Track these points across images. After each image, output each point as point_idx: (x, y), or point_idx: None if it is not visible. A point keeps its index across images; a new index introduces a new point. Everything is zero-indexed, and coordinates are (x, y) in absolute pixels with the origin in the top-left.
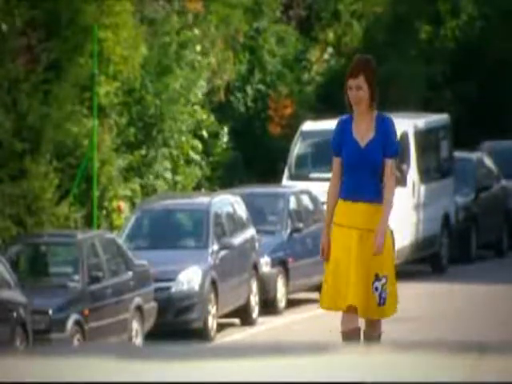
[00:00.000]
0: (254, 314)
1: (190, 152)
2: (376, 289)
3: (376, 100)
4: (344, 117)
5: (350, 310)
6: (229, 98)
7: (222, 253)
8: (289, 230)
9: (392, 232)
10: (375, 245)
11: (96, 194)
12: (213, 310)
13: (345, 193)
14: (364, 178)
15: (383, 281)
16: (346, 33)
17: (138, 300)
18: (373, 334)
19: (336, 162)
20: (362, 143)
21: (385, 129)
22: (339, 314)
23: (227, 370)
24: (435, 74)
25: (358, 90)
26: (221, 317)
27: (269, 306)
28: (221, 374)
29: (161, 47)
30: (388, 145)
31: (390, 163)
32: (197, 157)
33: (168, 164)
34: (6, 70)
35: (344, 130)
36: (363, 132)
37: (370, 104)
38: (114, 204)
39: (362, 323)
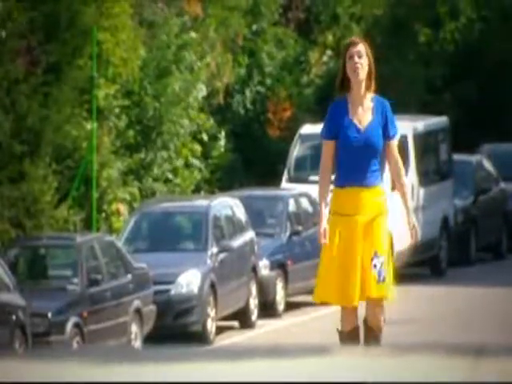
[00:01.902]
0: (253, 317)
1: (188, 156)
2: (375, 266)
3: (373, 83)
4: (338, 99)
5: (353, 309)
6: (228, 100)
7: (221, 256)
8: (288, 233)
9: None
10: (413, 237)
11: (95, 196)
12: (212, 312)
13: (343, 179)
14: (364, 163)
15: (382, 259)
16: (345, 35)
17: (137, 303)
18: (374, 326)
19: (329, 145)
20: (362, 126)
21: (384, 111)
22: (337, 318)
23: (226, 372)
24: (434, 77)
25: (359, 57)
26: (220, 320)
27: (268, 309)
28: (220, 376)
29: (160, 49)
30: (389, 127)
31: (394, 145)
32: (196, 161)
33: (167, 167)
34: (6, 72)
35: (340, 112)
36: (361, 114)
37: (367, 84)
38: (114, 207)
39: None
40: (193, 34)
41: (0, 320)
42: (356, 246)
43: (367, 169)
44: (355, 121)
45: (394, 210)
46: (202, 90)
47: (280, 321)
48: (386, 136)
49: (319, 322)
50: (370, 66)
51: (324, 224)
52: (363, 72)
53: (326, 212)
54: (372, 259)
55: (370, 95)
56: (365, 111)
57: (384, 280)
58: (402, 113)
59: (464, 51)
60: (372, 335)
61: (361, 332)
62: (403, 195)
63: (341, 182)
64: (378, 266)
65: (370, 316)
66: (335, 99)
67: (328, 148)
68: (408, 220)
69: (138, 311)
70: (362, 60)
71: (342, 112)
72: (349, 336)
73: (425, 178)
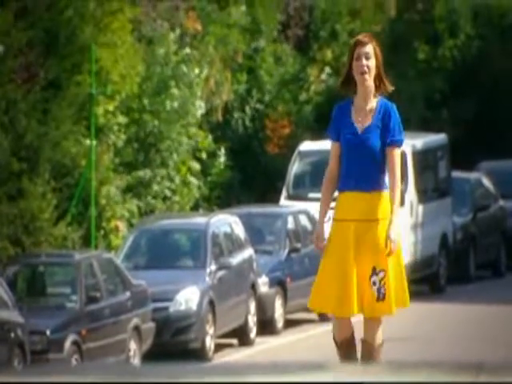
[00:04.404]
0: (252, 334)
1: (187, 173)
2: (374, 283)
3: (384, 83)
4: (342, 102)
5: (345, 317)
6: (227, 117)
7: (220, 273)
8: (287, 250)
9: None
10: (388, 251)
11: (94, 213)
12: (210, 330)
13: (342, 183)
14: (362, 166)
15: (381, 275)
16: (344, 52)
17: (135, 320)
18: (373, 344)
19: (334, 146)
20: (361, 128)
21: (386, 115)
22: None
23: None
24: (434, 91)
25: (367, 59)
26: (219, 337)
27: (267, 326)
28: None
29: (158, 66)
30: (390, 132)
31: (393, 152)
32: (194, 179)
33: (166, 184)
34: (4, 90)
35: (342, 114)
36: (362, 116)
37: (374, 85)
38: (112, 224)
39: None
40: (191, 51)
41: None
42: (349, 255)
43: (365, 173)
44: (355, 122)
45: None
46: (200, 107)
47: (279, 338)
48: (387, 141)
49: (318, 339)
50: (378, 67)
51: (319, 229)
52: (370, 75)
53: (324, 216)
54: (371, 276)
55: (377, 97)
56: (366, 113)
57: (384, 298)
58: None
59: (462, 68)
60: (370, 355)
61: (358, 344)
62: (392, 208)
63: (341, 186)
64: (377, 283)
65: (368, 335)
66: (341, 102)
67: (333, 150)
68: (388, 231)
69: (136, 328)
70: (369, 62)
71: (345, 114)
72: (343, 346)
73: (424, 195)
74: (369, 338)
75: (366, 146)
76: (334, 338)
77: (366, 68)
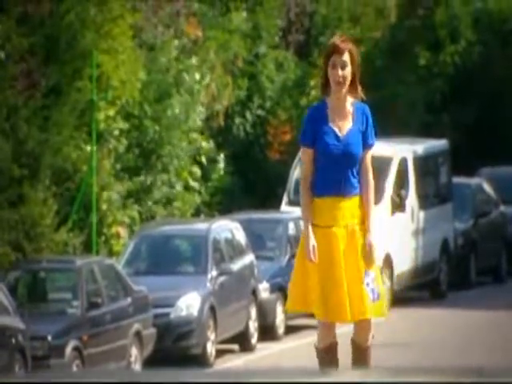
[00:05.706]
0: (253, 340)
1: (188, 178)
2: (367, 284)
3: (358, 87)
4: (316, 104)
5: (331, 325)
6: (228, 123)
7: (221, 279)
8: (288, 256)
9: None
10: (367, 244)
11: (95, 219)
12: (212, 336)
13: (321, 189)
14: (343, 171)
15: (372, 275)
16: None
17: (136, 326)
18: (363, 344)
19: (308, 153)
20: (341, 132)
21: (364, 118)
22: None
23: None
24: (434, 94)
25: (343, 68)
26: (220, 343)
27: (268, 332)
28: None
29: (159, 72)
30: (368, 136)
31: (368, 156)
32: (195, 183)
33: (167, 190)
34: (5, 97)
35: (318, 117)
36: (341, 121)
37: (349, 89)
38: (113, 230)
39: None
40: (193, 58)
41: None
42: (337, 260)
43: (346, 177)
44: (334, 127)
45: (393, 232)
46: (201, 113)
47: (280, 344)
48: (365, 144)
49: None
50: (354, 72)
51: (312, 240)
52: (346, 83)
53: (310, 227)
54: (363, 278)
55: (351, 100)
56: (345, 117)
57: (378, 298)
58: (401, 135)
59: (463, 74)
60: (361, 354)
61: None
62: (367, 212)
63: (319, 192)
64: (371, 283)
65: (360, 335)
66: (314, 104)
67: (307, 156)
68: (369, 238)
69: (137, 334)
70: (345, 71)
71: (321, 117)
72: (325, 352)
73: (424, 200)
74: (359, 339)
75: (349, 151)
76: (315, 346)
77: (341, 79)
